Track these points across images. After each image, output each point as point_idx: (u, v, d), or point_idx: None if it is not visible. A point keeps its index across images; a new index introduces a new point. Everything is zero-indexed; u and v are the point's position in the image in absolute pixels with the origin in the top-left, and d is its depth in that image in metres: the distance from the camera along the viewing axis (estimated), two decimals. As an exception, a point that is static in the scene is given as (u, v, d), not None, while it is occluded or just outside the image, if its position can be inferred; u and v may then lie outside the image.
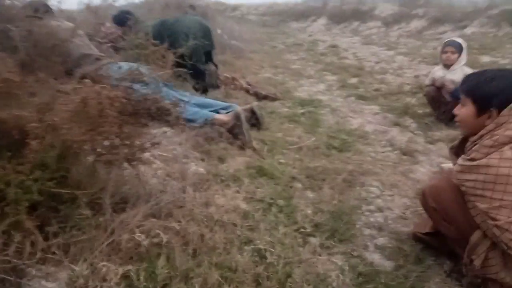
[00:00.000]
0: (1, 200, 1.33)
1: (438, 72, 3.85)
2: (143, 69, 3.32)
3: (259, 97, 4.60)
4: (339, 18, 15.97)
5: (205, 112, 3.02)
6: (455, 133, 3.42)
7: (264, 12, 22.75)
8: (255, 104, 3.39)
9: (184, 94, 3.42)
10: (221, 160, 2.60)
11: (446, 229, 1.67)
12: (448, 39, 3.89)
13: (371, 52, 9.08)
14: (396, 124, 3.85)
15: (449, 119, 3.71)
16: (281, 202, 2.15)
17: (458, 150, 1.73)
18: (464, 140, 1.69)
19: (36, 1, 3.28)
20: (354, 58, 8.24)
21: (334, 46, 10.16)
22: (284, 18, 19.72)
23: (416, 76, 6.04)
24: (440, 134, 3.49)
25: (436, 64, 6.80)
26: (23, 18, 2.60)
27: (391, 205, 2.30)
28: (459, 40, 3.76)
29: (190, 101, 3.30)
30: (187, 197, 2.01)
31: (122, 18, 4.37)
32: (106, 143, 1.57)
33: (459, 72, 3.64)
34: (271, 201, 2.14)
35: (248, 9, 24.39)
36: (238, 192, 2.19)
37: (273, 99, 4.68)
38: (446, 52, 3.72)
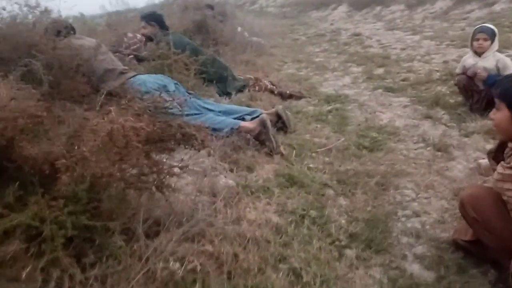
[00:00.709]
0: (37, 236, 1.35)
1: (469, 59, 3.69)
2: (167, 80, 3.36)
3: (284, 97, 4.55)
4: (360, 4, 15.59)
5: (231, 120, 3.00)
6: (491, 124, 3.28)
7: (282, 3, 22.49)
8: (280, 107, 3.34)
9: (209, 102, 3.41)
10: (250, 169, 2.58)
11: (487, 239, 1.60)
12: (480, 25, 3.70)
13: (396, 38, 8.83)
14: (428, 117, 3.72)
15: (483, 109, 3.56)
16: (313, 212, 2.11)
17: (496, 155, 1.64)
18: (502, 145, 1.60)
19: (57, 22, 3.34)
20: (378, 46, 8.02)
21: (357, 35, 9.93)
22: (303, 8, 19.45)
23: (445, 62, 5.83)
24: (475, 126, 3.35)
25: (465, 47, 6.58)
26: (46, 43, 2.64)
27: (428, 209, 2.22)
28: (491, 26, 3.58)
29: (215, 109, 3.30)
30: (218, 213, 2.00)
31: (156, 17, 4.39)
32: (134, 171, 1.57)
33: (491, 59, 3.48)
34: (303, 212, 2.11)
35: (267, 2, 24.19)
36: (269, 204, 2.17)
37: (299, 97, 4.62)
38: (477, 40, 3.56)
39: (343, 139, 3.24)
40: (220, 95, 4.09)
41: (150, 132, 1.60)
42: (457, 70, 3.88)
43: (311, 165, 2.77)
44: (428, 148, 3.05)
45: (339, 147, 3.10)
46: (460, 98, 3.96)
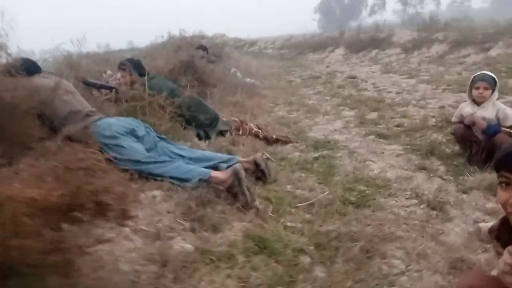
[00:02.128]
0: None
1: (466, 108, 3.43)
2: (137, 123, 3.08)
3: (270, 141, 4.26)
4: (357, 47, 15.71)
5: (200, 170, 2.68)
6: (491, 178, 2.97)
7: (281, 45, 22.82)
8: (258, 155, 3.04)
9: (182, 148, 3.12)
10: (216, 229, 2.23)
11: None
12: (479, 72, 3.45)
13: (392, 81, 8.68)
14: (422, 168, 3.41)
15: (482, 161, 3.26)
16: (280, 290, 1.76)
17: (500, 233, 1.31)
18: (505, 222, 1.28)
19: (21, 60, 3.11)
20: (373, 90, 7.85)
21: (352, 77, 9.82)
22: (301, 50, 19.67)
23: (441, 107, 5.60)
24: (473, 180, 3.03)
25: (462, 92, 6.38)
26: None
27: (419, 286, 1.86)
28: (492, 74, 3.34)
29: (188, 155, 3.01)
30: (167, 286, 1.65)
31: (132, 64, 4.14)
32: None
33: (491, 108, 3.22)
34: (269, 289, 1.75)
35: (265, 44, 24.56)
36: (229, 277, 1.81)
37: (285, 142, 4.33)
38: (477, 88, 3.31)
39: (327, 192, 2.91)
40: (200, 139, 3.80)
41: (48, 201, 1.28)
42: (454, 119, 3.62)
43: (288, 224, 2.43)
44: (422, 206, 2.72)
45: (323, 202, 2.76)
46: (457, 147, 3.67)
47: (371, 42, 15.24)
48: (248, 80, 8.60)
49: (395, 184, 3.13)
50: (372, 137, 4.50)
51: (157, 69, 5.12)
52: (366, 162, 3.69)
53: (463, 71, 8.98)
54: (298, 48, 20.33)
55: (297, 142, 4.39)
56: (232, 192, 2.58)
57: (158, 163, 2.74)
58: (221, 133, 3.99)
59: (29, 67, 3.08)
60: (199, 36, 19.24)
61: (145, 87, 3.54)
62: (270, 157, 3.76)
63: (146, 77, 3.78)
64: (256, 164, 2.97)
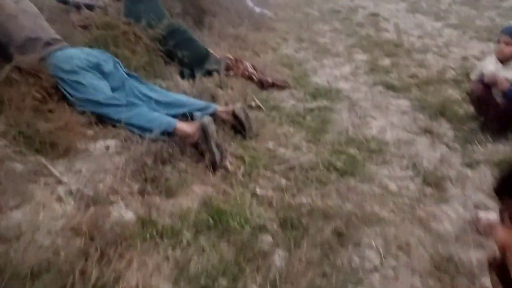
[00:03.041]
0: None
1: (489, 65, 2.94)
2: (104, 56, 2.70)
3: (265, 85, 3.84)
4: (386, -20, 14.40)
5: (166, 119, 2.33)
6: (504, 151, 2.58)
7: (305, -28, 21.20)
8: (238, 106, 2.65)
9: (154, 88, 2.75)
10: (170, 193, 1.94)
11: None
12: (508, 25, 2.89)
13: (416, 22, 7.92)
14: (427, 131, 3.01)
15: (499, 129, 2.84)
16: (224, 283, 1.48)
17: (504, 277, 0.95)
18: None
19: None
20: (394, 31, 7.14)
21: (374, 15, 8.99)
22: (326, -21, 18.22)
23: (464, 58, 5.02)
24: (483, 152, 2.65)
25: (491, 40, 5.72)
26: None
27: (391, 288, 1.57)
28: (520, 27, 2.80)
29: (159, 98, 2.65)
30: (84, 273, 1.38)
31: None
32: None
33: (517, 69, 2.73)
34: (208, 280, 1.47)
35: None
36: (166, 259, 1.54)
37: (282, 87, 3.91)
38: (499, 42, 2.79)
39: (311, 154, 2.57)
40: (182, 78, 3.41)
41: None
42: (473, 76, 3.14)
43: (258, 191, 2.12)
44: (417, 179, 2.37)
45: (304, 165, 2.43)
46: (471, 109, 3.22)
47: (401, -24, 13.92)
48: (258, 9, 7.92)
49: (392, 149, 2.76)
50: (380, 87, 4.04)
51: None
52: (366, 118, 3.29)
53: (496, 16, 8.12)
54: (322, -23, 18.87)
55: (295, 88, 3.96)
56: (199, 149, 2.25)
57: (120, 107, 2.40)
58: (209, 73, 3.58)
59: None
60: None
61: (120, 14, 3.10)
62: (261, 105, 3.37)
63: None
64: (234, 116, 2.61)
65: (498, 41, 2.80)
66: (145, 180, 1.99)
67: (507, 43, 2.74)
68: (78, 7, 3.43)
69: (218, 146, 2.24)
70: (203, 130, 2.20)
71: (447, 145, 2.82)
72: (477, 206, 2.11)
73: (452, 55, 5.22)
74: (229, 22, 5.71)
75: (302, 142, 2.79)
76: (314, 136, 2.88)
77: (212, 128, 2.22)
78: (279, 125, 3.02)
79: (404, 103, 3.62)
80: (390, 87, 4.02)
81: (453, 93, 3.77)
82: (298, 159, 2.47)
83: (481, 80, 2.95)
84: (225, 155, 2.30)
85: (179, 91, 3.12)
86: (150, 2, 3.48)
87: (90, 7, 3.43)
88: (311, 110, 3.41)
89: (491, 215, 1.90)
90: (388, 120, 3.25)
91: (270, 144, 2.67)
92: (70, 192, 1.75)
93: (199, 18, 5.01)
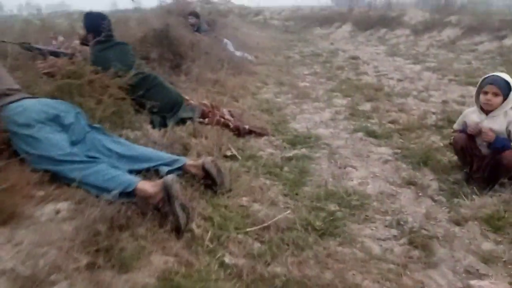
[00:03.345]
0: None
1: (472, 115, 2.84)
2: (65, 107, 2.50)
3: (241, 132, 3.68)
4: (365, 24, 14.88)
5: (125, 178, 2.11)
6: (492, 205, 2.42)
7: (287, 17, 21.86)
8: (208, 159, 2.45)
9: (118, 141, 2.55)
10: (124, 267, 1.69)
11: None
12: (490, 74, 2.80)
13: (395, 66, 8.02)
14: (411, 183, 2.86)
15: (485, 180, 2.70)
16: None
17: None
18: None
19: None
20: (374, 74, 7.20)
21: (354, 58, 9.13)
22: (307, 23, 18.78)
23: (445, 102, 5.00)
24: (471, 206, 2.48)
25: (470, 84, 5.73)
26: None
27: None
28: (506, 77, 2.70)
29: (124, 152, 2.44)
30: None
31: (89, 20, 3.43)
32: None
33: (501, 119, 2.65)
34: None
35: (271, 14, 23.52)
36: None
37: (260, 134, 3.76)
38: (486, 93, 2.69)
39: (288, 211, 2.36)
40: (153, 127, 3.22)
41: None
42: (455, 126, 3.03)
43: (226, 259, 1.89)
44: (402, 240, 2.17)
45: (281, 225, 2.22)
46: (455, 158, 3.10)
47: (380, 21, 14.40)
48: (239, 53, 7.94)
49: (374, 203, 2.58)
50: (360, 134, 3.92)
51: (125, 37, 4.47)
52: (347, 168, 3.13)
53: (473, 60, 8.30)
54: (304, 21, 19.41)
55: (273, 135, 3.82)
56: (161, 211, 2.03)
57: (77, 164, 2.18)
58: (183, 121, 3.41)
59: None
60: (204, 1, 18.38)
61: (91, 59, 2.94)
62: (236, 154, 3.20)
63: (96, 44, 3.17)
64: (204, 170, 2.41)
65: (485, 92, 2.69)
66: (97, 250, 1.75)
67: (495, 94, 2.65)
68: (43, 54, 3.27)
69: (183, 207, 2.03)
70: (166, 190, 1.99)
71: (432, 199, 2.66)
72: (468, 271, 1.92)
73: (432, 99, 5.20)
74: (208, 66, 5.64)
75: (278, 197, 2.60)
76: (292, 190, 2.69)
77: (176, 187, 2.01)
78: (255, 176, 2.83)
79: (385, 151, 3.49)
80: (371, 133, 3.90)
81: (436, 140, 3.66)
82: (273, 218, 2.26)
83: (464, 130, 2.84)
84: (191, 217, 2.08)
85: (149, 141, 2.93)
86: (119, 49, 3.35)
87: (56, 54, 3.28)
88: (289, 159, 3.24)
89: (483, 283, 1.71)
90: (370, 170, 3.09)
91: (244, 200, 2.47)
92: (3, 272, 1.50)
93: (176, 63, 4.92)
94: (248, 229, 2.15)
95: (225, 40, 8.35)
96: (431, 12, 13.45)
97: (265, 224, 2.20)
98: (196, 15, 8.17)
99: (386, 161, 3.26)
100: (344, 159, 3.31)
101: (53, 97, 2.69)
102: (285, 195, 2.63)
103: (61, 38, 3.72)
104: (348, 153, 3.45)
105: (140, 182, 2.08)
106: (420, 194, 2.71)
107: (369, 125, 4.19)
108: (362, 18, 15.31)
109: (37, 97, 2.55)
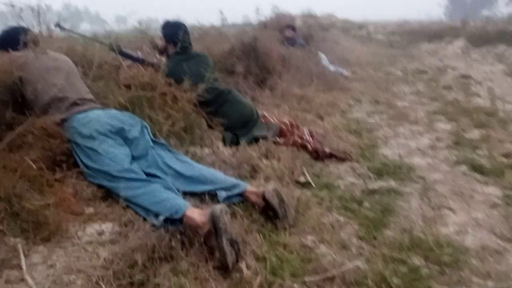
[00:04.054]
0: None
1: None
2: (132, 120, 2.43)
3: (320, 156, 3.34)
4: (481, 40, 13.40)
5: (176, 202, 1.92)
6: None
7: (393, 31, 20.71)
8: (270, 188, 2.16)
9: (180, 158, 2.39)
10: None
11: None
12: None
13: (515, 88, 6.96)
14: (526, 238, 2.26)
15: None
16: None
17: None
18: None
19: (14, 29, 2.62)
20: (487, 96, 6.30)
21: (465, 77, 8.16)
22: (414, 38, 17.58)
23: None
24: None
25: None
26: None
27: None
28: None
29: (184, 172, 2.28)
30: None
31: (167, 30, 3.42)
32: None
33: None
34: None
35: (376, 28, 22.51)
36: None
37: (342, 159, 3.38)
38: None
39: (360, 261, 1.97)
40: (224, 144, 3.04)
41: None
42: None
43: (274, 315, 1.58)
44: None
45: (348, 277, 1.84)
46: None
47: (499, 36, 12.84)
48: (332, 68, 7.55)
49: (473, 261, 2.05)
50: (464, 167, 3.32)
51: (212, 49, 4.42)
52: (442, 210, 2.61)
53: None
54: (411, 36, 18.21)
55: (358, 162, 3.40)
56: (208, 244, 1.80)
57: (131, 181, 2.06)
58: (256, 140, 3.18)
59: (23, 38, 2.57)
60: (307, 15, 18.28)
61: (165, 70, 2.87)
62: (311, 181, 2.87)
63: (175, 55, 3.10)
64: (265, 200, 2.13)
65: None
66: (131, 284, 1.57)
67: None
68: (132, 59, 3.28)
69: (232, 242, 1.77)
70: (214, 221, 1.75)
71: (555, 264, 2.05)
72: None
73: (563, 131, 4.30)
74: (296, 81, 5.38)
75: (352, 239, 2.21)
76: (370, 232, 2.28)
77: (225, 219, 1.76)
78: (327, 210, 2.48)
79: (494, 192, 2.87)
80: (477, 168, 3.28)
81: None
82: (341, 267, 1.89)
83: None
84: (241, 254, 1.81)
85: (217, 160, 2.75)
86: (195, 61, 3.24)
87: (142, 62, 3.27)
88: (372, 192, 2.82)
89: None
90: (471, 215, 2.54)
91: (309, 239, 2.13)
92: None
93: (262, 77, 4.74)
94: (306, 278, 1.81)
95: (320, 54, 8.03)
96: None
97: (329, 275, 1.84)
98: (292, 28, 8.01)
99: (494, 205, 2.67)
100: (440, 197, 2.78)
101: (124, 108, 2.65)
102: (360, 238, 2.23)
103: (147, 49, 3.76)
104: (446, 190, 2.91)
105: (189, 209, 1.87)
106: (538, 255, 2.11)
107: (476, 157, 3.54)
108: (478, 33, 13.84)
109: (106, 108, 2.51)
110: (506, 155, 3.56)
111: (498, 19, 16.21)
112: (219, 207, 1.79)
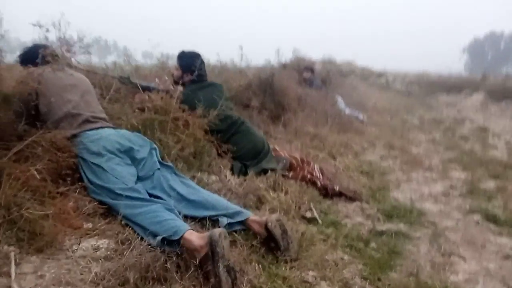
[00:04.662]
0: None
1: None
2: (142, 141, 2.44)
3: (330, 193, 3.28)
4: (500, 94, 13.35)
5: (175, 224, 1.88)
6: None
7: (412, 81, 20.87)
8: (273, 217, 2.10)
9: (186, 182, 2.37)
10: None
11: None
12: None
13: (534, 142, 6.83)
14: (541, 293, 2.13)
15: None
16: None
17: None
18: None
19: (35, 46, 2.71)
20: (504, 148, 6.20)
21: (483, 129, 8.09)
22: (433, 89, 17.66)
23: None
24: None
25: None
26: None
27: None
28: None
29: (187, 196, 2.25)
30: None
31: (183, 59, 3.46)
32: None
33: None
34: None
35: (395, 77, 22.73)
36: None
37: (351, 199, 3.31)
38: None
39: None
40: (232, 173, 3.02)
41: None
42: None
43: None
44: None
45: (348, 317, 1.75)
46: None
47: (520, 91, 12.80)
48: (348, 111, 7.57)
49: (484, 312, 1.94)
50: (477, 217, 3.21)
51: (229, 83, 4.49)
52: (452, 257, 2.50)
53: None
54: (430, 87, 18.29)
55: (367, 203, 3.32)
56: (204, 269, 1.74)
57: (133, 200, 2.04)
58: (265, 172, 3.14)
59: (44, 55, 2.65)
60: (327, 62, 18.61)
61: (180, 97, 2.91)
62: (317, 217, 2.81)
63: (191, 84, 3.14)
64: (267, 230, 2.07)
65: None
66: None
67: None
68: (139, 88, 3.32)
69: (229, 269, 1.71)
70: (212, 245, 1.70)
71: None
72: None
73: None
74: (311, 120, 5.39)
75: (355, 279, 2.11)
76: (374, 273, 2.18)
77: (223, 244, 1.71)
78: (332, 248, 2.39)
79: (508, 242, 2.75)
80: (491, 218, 3.17)
81: None
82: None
83: None
84: (237, 283, 1.74)
85: (223, 188, 2.72)
86: (210, 90, 3.28)
87: (149, 90, 3.31)
88: (380, 234, 2.73)
89: None
90: (483, 265, 2.42)
91: (310, 275, 2.05)
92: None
93: (277, 113, 4.77)
94: (303, 315, 1.72)
95: (337, 97, 8.09)
96: None
97: (327, 313, 1.75)
98: (311, 70, 8.14)
99: (507, 257, 2.54)
100: (450, 244, 2.68)
101: (136, 129, 2.67)
102: (364, 279, 2.13)
103: (165, 77, 3.83)
104: (457, 238, 2.80)
105: (188, 232, 1.82)
106: (553, 312, 1.98)
107: (490, 207, 3.43)
108: (497, 87, 13.82)
109: (117, 128, 2.54)
110: (522, 207, 3.44)
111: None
112: (218, 231, 1.74)
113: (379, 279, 2.13)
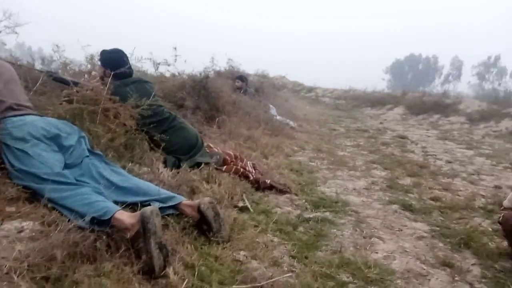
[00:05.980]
0: None
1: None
2: (69, 129, 2.37)
3: (261, 186, 3.39)
4: (418, 109, 14.53)
5: (105, 205, 1.86)
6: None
7: (339, 95, 21.98)
8: (206, 200, 2.16)
9: (116, 170, 2.34)
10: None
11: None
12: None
13: (445, 148, 7.52)
14: (447, 264, 2.37)
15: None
16: None
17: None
18: None
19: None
20: (421, 153, 6.75)
21: (402, 137, 8.73)
22: (359, 103, 18.72)
23: (497, 187, 4.45)
24: (522, 302, 1.97)
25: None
26: None
27: None
28: None
29: (118, 183, 2.22)
30: None
31: (104, 57, 3.38)
32: None
33: None
34: None
35: (324, 92, 23.83)
36: None
37: (281, 191, 3.44)
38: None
39: (289, 274, 1.98)
40: (165, 166, 3.02)
41: None
42: (506, 202, 2.57)
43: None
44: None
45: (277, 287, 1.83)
46: (505, 244, 2.60)
47: (434, 106, 14.02)
48: (280, 117, 7.83)
49: (398, 281, 2.12)
50: (395, 206, 3.48)
51: (162, 83, 4.48)
52: (372, 239, 2.70)
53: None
54: (356, 101, 19.38)
55: (296, 195, 3.48)
56: (136, 246, 1.74)
57: (60, 184, 1.98)
58: (198, 165, 3.18)
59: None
60: (261, 76, 19.04)
61: (111, 89, 2.86)
62: (249, 206, 2.89)
63: (115, 79, 3.10)
64: (200, 212, 2.12)
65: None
66: (45, 279, 1.47)
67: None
68: (66, 83, 3.21)
69: (160, 246, 1.72)
70: (143, 222, 1.71)
71: (472, 285, 2.16)
72: None
73: (483, 183, 4.67)
74: (245, 124, 5.51)
75: (284, 257, 2.22)
76: (302, 252, 2.31)
77: (155, 221, 1.73)
78: (263, 232, 2.49)
79: (421, 227, 3.03)
80: (407, 207, 3.46)
81: (482, 223, 3.16)
82: (269, 279, 1.88)
83: (515, 207, 2.38)
84: (169, 260, 1.76)
85: (154, 179, 2.71)
86: (142, 86, 3.26)
87: (77, 85, 3.22)
88: (307, 220, 2.87)
89: None
90: (399, 244, 2.64)
91: (241, 255, 2.11)
92: None
93: (211, 115, 4.83)
94: (234, 287, 1.78)
95: (269, 105, 8.34)
96: (488, 103, 12.96)
97: (257, 284, 1.82)
98: (242, 79, 8.31)
99: (420, 237, 2.80)
100: (371, 229, 2.89)
101: (64, 119, 2.59)
102: (292, 257, 2.24)
103: (94, 73, 3.73)
104: (377, 224, 3.03)
105: (118, 212, 1.82)
106: (456, 278, 2.22)
107: (407, 199, 3.74)
108: (416, 103, 15.04)
109: (44, 116, 2.45)
110: (434, 199, 3.79)
111: (433, 93, 17.75)
112: (149, 208, 1.76)
113: (306, 257, 2.26)
